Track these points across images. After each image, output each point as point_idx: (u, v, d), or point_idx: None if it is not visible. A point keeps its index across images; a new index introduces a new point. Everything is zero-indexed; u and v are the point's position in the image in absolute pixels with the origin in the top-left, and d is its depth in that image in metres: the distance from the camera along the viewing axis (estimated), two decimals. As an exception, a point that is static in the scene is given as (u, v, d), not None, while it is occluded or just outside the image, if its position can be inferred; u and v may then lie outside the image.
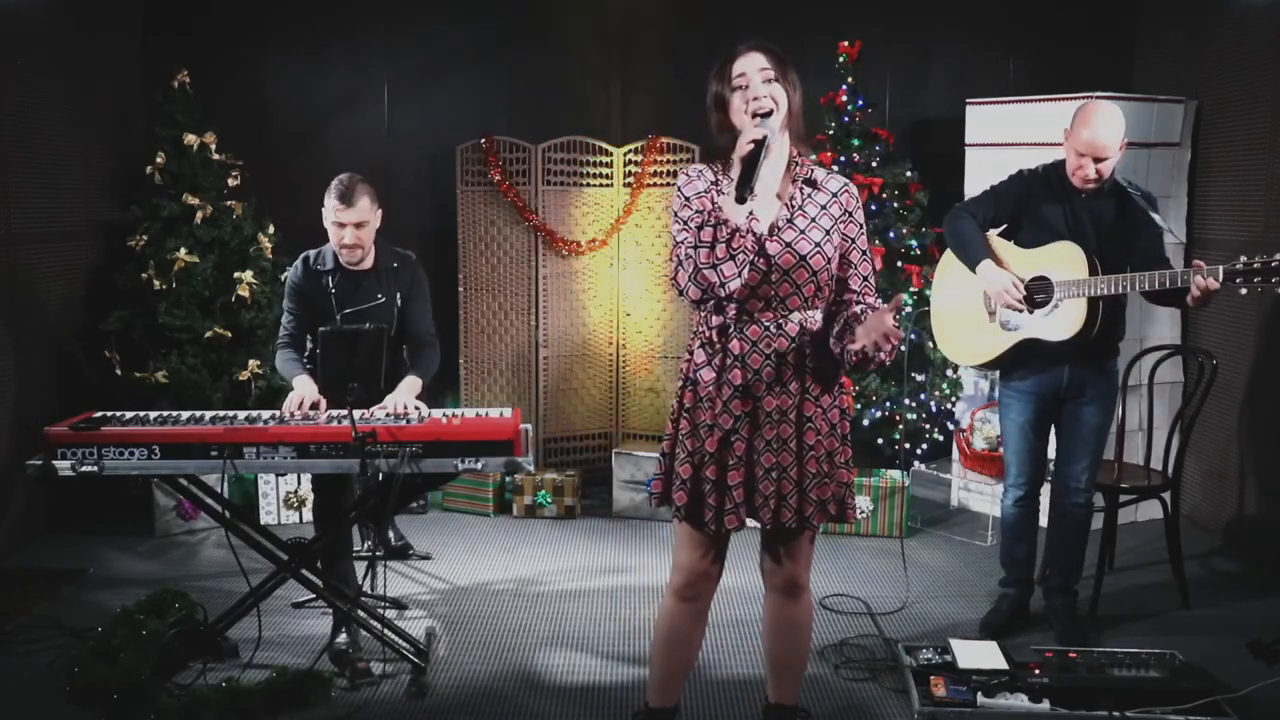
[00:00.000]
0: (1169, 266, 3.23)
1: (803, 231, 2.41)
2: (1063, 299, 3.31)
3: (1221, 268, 3.03)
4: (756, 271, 2.38)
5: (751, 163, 2.28)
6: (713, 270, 2.33)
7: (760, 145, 2.30)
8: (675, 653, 2.70)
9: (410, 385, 3.41)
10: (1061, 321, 3.32)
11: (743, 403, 2.45)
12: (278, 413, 3.25)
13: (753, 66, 2.38)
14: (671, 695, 2.74)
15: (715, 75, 2.43)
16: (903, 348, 4.81)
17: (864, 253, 2.51)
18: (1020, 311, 3.37)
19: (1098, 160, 3.26)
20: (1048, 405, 3.49)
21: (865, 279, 2.51)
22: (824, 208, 2.45)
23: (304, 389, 3.32)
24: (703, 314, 2.49)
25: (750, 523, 2.52)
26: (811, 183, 2.47)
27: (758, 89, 2.37)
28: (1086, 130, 3.26)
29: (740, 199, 2.28)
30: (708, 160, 2.54)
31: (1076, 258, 3.29)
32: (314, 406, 3.27)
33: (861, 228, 2.51)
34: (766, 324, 2.43)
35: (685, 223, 2.40)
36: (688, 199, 2.44)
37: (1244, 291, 3.04)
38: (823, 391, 2.49)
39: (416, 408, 3.25)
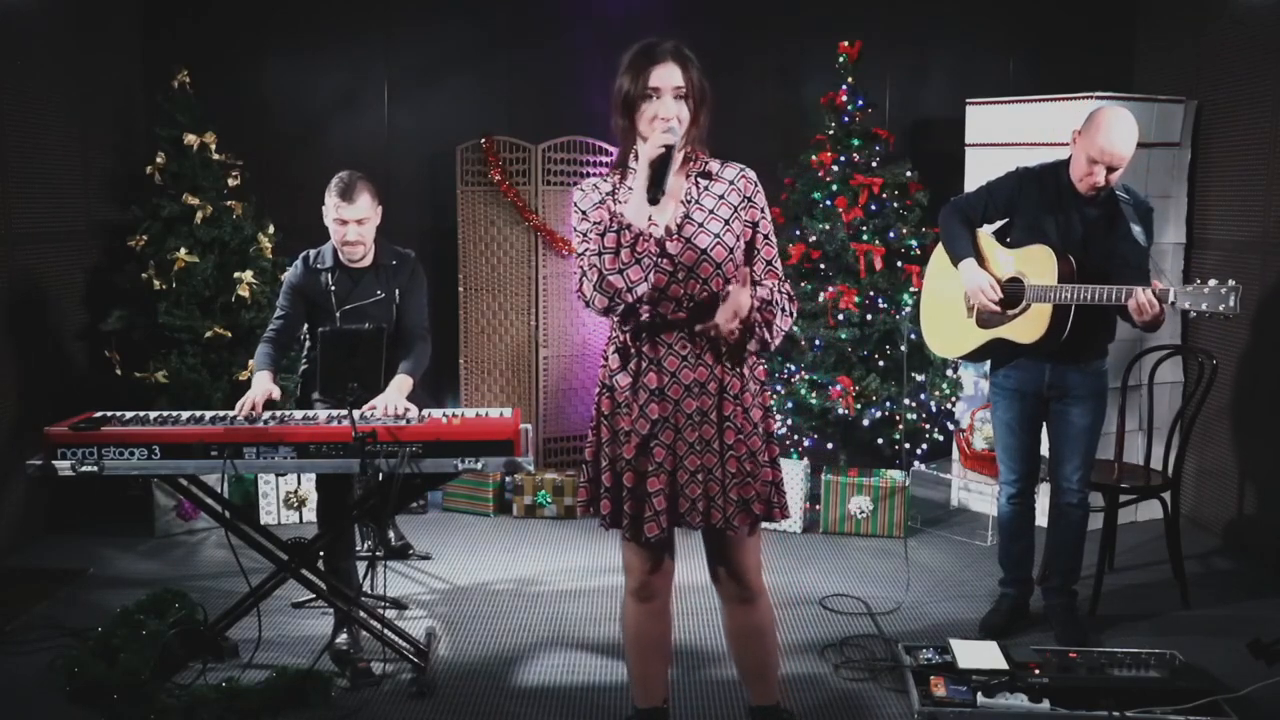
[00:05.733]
0: (1145, 279, 3.21)
1: (700, 225, 2.40)
2: (1031, 303, 3.32)
3: (1174, 289, 3.04)
4: (662, 274, 2.38)
5: (661, 167, 2.31)
6: (619, 275, 2.32)
7: (670, 150, 2.32)
8: (647, 653, 2.70)
9: (400, 385, 3.36)
10: (1028, 325, 3.33)
11: (660, 406, 2.44)
12: (278, 413, 3.25)
13: (667, 82, 2.37)
14: (655, 695, 2.73)
15: (629, 73, 2.42)
16: (902, 347, 4.82)
17: (766, 237, 2.49)
18: (995, 312, 3.39)
19: (1111, 169, 3.22)
20: (1032, 403, 3.50)
21: (769, 263, 2.49)
22: (722, 197, 2.44)
23: (256, 389, 3.26)
24: (616, 319, 2.48)
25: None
26: (707, 174, 2.47)
27: (668, 107, 2.37)
28: (1103, 138, 3.18)
29: (654, 200, 2.30)
30: (605, 171, 2.54)
31: (1048, 262, 3.28)
32: (268, 404, 3.23)
33: (764, 211, 2.49)
34: (680, 325, 2.43)
35: (585, 235, 2.40)
36: (584, 213, 2.44)
37: (1193, 315, 3.07)
38: (741, 389, 2.48)
39: (407, 409, 3.21)
